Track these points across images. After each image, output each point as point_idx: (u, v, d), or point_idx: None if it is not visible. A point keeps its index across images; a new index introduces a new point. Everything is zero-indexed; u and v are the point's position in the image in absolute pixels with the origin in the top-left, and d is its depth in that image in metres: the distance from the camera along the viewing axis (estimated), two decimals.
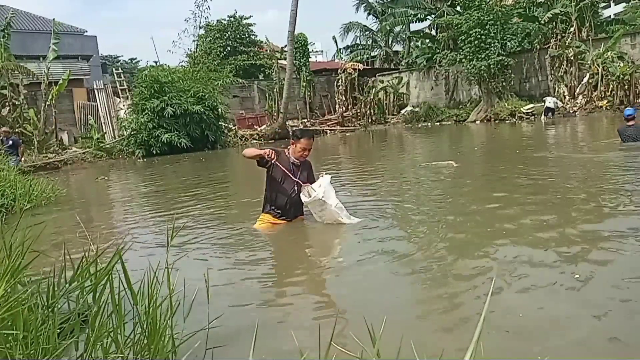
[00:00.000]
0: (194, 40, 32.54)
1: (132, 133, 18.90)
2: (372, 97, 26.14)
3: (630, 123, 8.42)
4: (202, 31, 32.22)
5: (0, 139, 12.82)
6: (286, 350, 2.24)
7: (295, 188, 4.60)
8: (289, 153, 4.71)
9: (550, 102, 19.09)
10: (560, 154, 9.14)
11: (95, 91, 22.08)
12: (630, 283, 2.73)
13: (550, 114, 18.85)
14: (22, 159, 13.86)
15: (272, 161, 4.47)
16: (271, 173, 4.66)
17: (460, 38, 21.44)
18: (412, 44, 31.36)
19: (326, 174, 4.70)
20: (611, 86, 18.98)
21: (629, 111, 8.64)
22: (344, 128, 24.79)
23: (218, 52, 29.82)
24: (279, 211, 4.69)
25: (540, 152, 9.56)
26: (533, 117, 19.52)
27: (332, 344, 1.60)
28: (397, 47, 33.85)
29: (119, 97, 22.41)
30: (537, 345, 2.17)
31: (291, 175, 4.56)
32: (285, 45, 23.61)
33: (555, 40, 21.21)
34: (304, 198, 4.51)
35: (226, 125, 21.06)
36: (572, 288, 2.76)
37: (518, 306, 2.56)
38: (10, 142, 13.07)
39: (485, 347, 1.60)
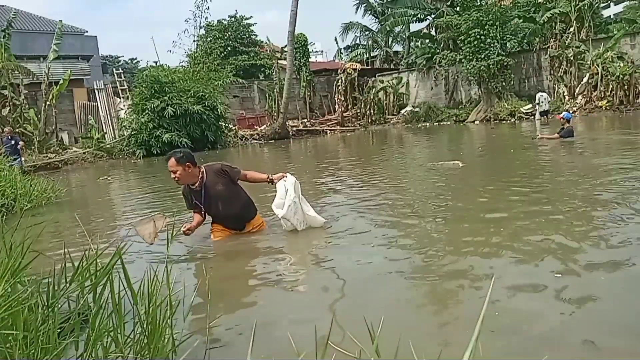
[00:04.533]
0: (194, 41, 32.61)
1: (133, 133, 18.92)
2: (372, 97, 26.14)
3: (567, 125, 10.61)
4: (202, 31, 32.25)
5: (1, 138, 12.87)
6: (284, 351, 2.25)
7: (203, 210, 4.30)
8: None
9: (544, 102, 18.77)
10: (557, 157, 9.16)
11: (96, 91, 22.12)
12: (612, 288, 2.74)
13: (545, 115, 18.69)
14: (24, 158, 13.84)
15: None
16: (191, 202, 4.39)
17: (459, 38, 21.45)
18: (412, 44, 31.34)
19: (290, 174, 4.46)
20: (611, 86, 18.98)
21: (568, 115, 10.97)
22: (344, 128, 24.79)
23: (218, 52, 29.81)
24: (222, 223, 4.48)
25: (537, 153, 9.58)
26: (533, 117, 19.51)
27: (329, 343, 1.61)
28: (397, 47, 33.83)
29: (120, 97, 22.44)
30: (515, 346, 2.19)
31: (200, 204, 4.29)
32: (286, 46, 23.62)
33: (554, 41, 21.22)
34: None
35: (226, 125, 21.08)
36: (554, 289, 2.77)
37: (500, 306, 2.56)
38: (13, 141, 13.12)
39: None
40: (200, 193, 4.25)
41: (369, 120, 25.64)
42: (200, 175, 4.24)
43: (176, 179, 4.18)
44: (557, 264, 3.16)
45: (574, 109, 19.45)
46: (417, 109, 25.06)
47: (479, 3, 21.09)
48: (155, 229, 3.94)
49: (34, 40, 27.17)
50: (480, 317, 1.44)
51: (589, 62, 19.68)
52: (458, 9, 22.46)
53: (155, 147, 18.27)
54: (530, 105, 19.96)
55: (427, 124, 23.28)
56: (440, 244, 3.91)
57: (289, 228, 4.36)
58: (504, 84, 21.33)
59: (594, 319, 2.43)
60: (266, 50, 31.16)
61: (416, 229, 4.38)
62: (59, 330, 1.91)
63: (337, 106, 27.32)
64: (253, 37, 32.27)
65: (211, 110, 19.22)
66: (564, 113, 11.48)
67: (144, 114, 18.49)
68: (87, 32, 33.65)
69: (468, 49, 20.95)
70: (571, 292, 2.73)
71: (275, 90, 25.40)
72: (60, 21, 21.70)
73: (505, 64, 20.80)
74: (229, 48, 30.32)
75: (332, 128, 24.85)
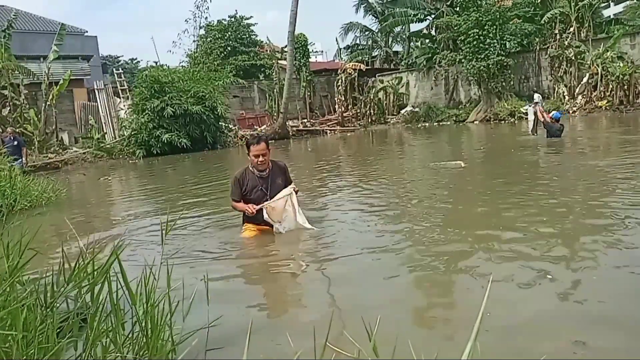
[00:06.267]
0: (194, 41, 32.63)
1: (133, 133, 18.92)
2: (372, 97, 26.14)
3: (557, 124, 11.06)
4: (202, 31, 32.27)
5: (3, 138, 12.86)
6: (281, 351, 2.25)
7: (268, 198, 4.43)
8: (251, 167, 4.50)
9: (541, 102, 18.66)
10: (557, 157, 9.17)
11: (96, 91, 22.12)
12: (604, 289, 2.75)
13: None
14: (26, 161, 13.77)
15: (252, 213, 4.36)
16: (243, 190, 4.52)
17: (459, 38, 21.45)
18: (412, 44, 31.32)
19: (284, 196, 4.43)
20: (611, 86, 18.96)
21: (557, 115, 11.39)
22: (344, 128, 24.79)
23: (218, 52, 29.81)
24: (256, 220, 4.51)
25: (537, 154, 9.60)
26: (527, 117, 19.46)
27: (327, 344, 1.61)
28: (397, 48, 33.79)
29: (120, 97, 22.44)
30: (509, 346, 2.20)
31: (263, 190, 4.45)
32: (286, 46, 23.62)
33: (554, 41, 21.22)
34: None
35: (226, 125, 21.08)
36: (547, 290, 2.78)
37: (495, 306, 2.55)
38: (16, 142, 13.10)
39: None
40: (268, 180, 4.51)
41: (369, 120, 25.63)
42: (270, 164, 4.54)
43: (264, 161, 4.42)
44: (551, 266, 3.17)
45: (574, 108, 19.45)
46: (417, 109, 25.05)
47: (478, 3, 21.04)
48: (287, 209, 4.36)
49: (34, 40, 27.15)
50: (479, 317, 1.44)
51: (588, 62, 19.66)
52: (458, 9, 22.45)
53: (155, 147, 18.27)
54: (524, 109, 19.84)
55: (427, 124, 23.27)
56: (438, 244, 3.91)
57: (276, 231, 4.41)
58: (503, 84, 21.32)
59: (585, 319, 2.43)
60: (266, 51, 31.15)
61: (415, 230, 4.38)
62: (57, 330, 1.91)
63: (337, 106, 27.32)
64: (253, 37, 32.27)
65: (211, 110, 19.21)
66: (553, 112, 11.73)
67: (143, 114, 18.49)
68: (87, 32, 33.67)
69: (468, 49, 20.95)
70: (564, 293, 2.74)
71: (275, 90, 25.40)
72: (63, 24, 21.69)
73: (505, 64, 20.80)
74: (229, 48, 30.32)
75: (332, 128, 24.84)
